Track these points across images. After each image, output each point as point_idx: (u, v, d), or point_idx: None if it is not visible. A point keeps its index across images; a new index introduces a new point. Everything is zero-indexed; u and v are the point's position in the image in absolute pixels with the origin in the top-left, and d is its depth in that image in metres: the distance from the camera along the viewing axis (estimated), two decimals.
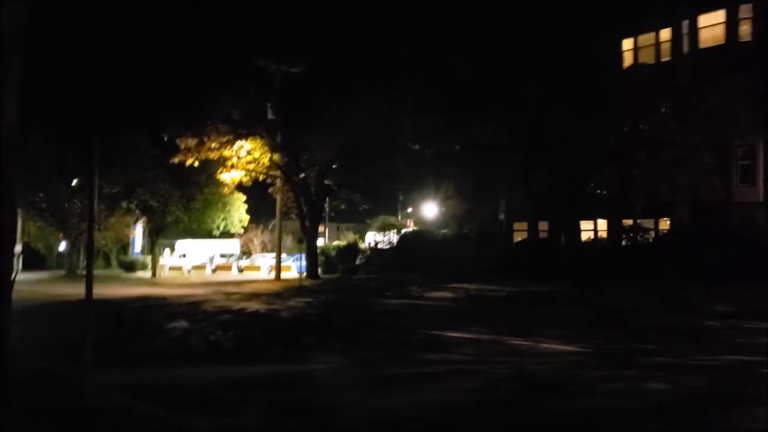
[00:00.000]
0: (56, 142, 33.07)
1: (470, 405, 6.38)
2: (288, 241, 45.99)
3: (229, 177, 33.64)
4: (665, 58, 28.68)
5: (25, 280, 24.28)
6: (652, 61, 28.63)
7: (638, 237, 27.00)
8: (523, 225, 33.69)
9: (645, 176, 24.42)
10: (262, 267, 42.01)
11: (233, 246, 49.55)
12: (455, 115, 27.14)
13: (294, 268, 39.37)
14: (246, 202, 44.68)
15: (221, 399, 6.50)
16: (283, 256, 37.91)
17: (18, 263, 17.30)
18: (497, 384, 7.44)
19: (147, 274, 40.74)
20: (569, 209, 27.32)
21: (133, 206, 37.49)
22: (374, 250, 36.55)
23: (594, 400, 6.63)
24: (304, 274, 31.74)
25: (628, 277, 22.05)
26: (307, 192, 32.61)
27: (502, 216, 35.02)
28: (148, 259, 43.04)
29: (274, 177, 33.79)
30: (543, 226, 31.84)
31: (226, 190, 35.95)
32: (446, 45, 27.35)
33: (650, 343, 10.70)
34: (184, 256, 46.21)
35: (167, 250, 46.74)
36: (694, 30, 27.62)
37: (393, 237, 36.10)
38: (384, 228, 38.05)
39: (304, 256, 32.77)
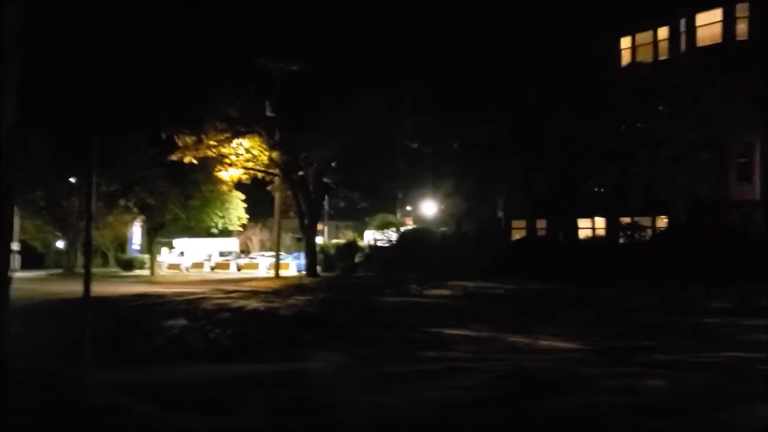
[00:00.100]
0: (55, 140, 33.06)
1: (469, 402, 6.38)
2: (287, 239, 46.04)
3: (227, 175, 33.64)
4: (663, 57, 28.72)
5: (23, 278, 24.24)
6: (650, 60, 28.68)
7: (636, 235, 27.06)
8: (522, 223, 33.74)
9: (643, 174, 24.47)
10: (260, 265, 42.05)
11: (232, 244, 49.59)
12: (454, 114, 27.15)
13: (293, 266, 39.43)
14: (245, 200, 44.68)
15: (221, 398, 6.49)
16: (282, 254, 37.94)
17: (16, 261, 17.26)
18: (496, 381, 7.45)
19: (145, 272, 40.72)
20: (568, 208, 27.36)
21: (131, 204, 37.45)
22: (373, 248, 36.57)
23: (593, 396, 6.64)
24: (304, 272, 31.75)
25: (627, 275, 22.09)
26: (305, 190, 32.60)
27: (501, 214, 35.08)
28: (147, 257, 43.02)
29: (273, 175, 33.79)
30: (541, 224, 31.89)
31: (225, 188, 35.97)
32: (445, 45, 27.33)
33: (649, 340, 10.71)
34: (183, 254, 46.22)
35: (166, 249, 46.73)
36: (691, 28, 27.65)
37: (392, 235, 36.12)
38: (383, 226, 38.07)
39: (303, 254, 32.79)
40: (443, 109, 27.43)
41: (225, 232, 47.30)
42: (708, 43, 27.04)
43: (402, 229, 38.22)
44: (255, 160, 32.91)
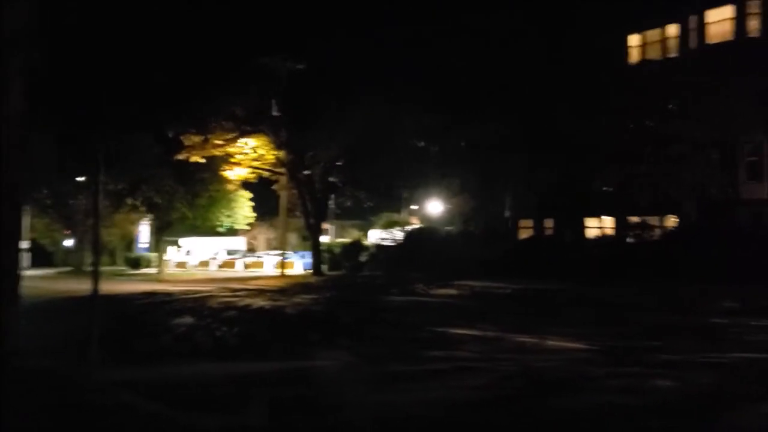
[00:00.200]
0: (60, 139, 33.15)
1: (476, 402, 6.37)
2: (293, 238, 46.09)
3: (234, 174, 33.71)
4: (672, 55, 28.52)
5: (32, 276, 24.39)
6: (659, 58, 28.49)
7: (644, 235, 26.92)
8: (529, 222, 33.63)
9: (651, 173, 24.33)
10: (266, 264, 42.11)
11: (238, 243, 49.70)
12: (459, 113, 27.11)
13: (298, 265, 39.48)
14: (251, 199, 44.73)
15: (227, 396, 6.50)
16: (288, 252, 37.99)
17: (26, 259, 17.38)
18: (503, 381, 7.43)
19: (152, 270, 40.86)
20: (575, 207, 27.26)
21: (138, 203, 37.57)
22: (379, 247, 36.54)
23: (600, 397, 6.61)
24: (309, 270, 31.79)
25: (634, 275, 21.97)
26: (311, 189, 32.64)
27: (507, 213, 34.95)
28: (154, 255, 43.16)
29: (279, 174, 33.84)
30: (549, 223, 31.77)
31: (231, 187, 36.05)
32: (449, 44, 27.29)
33: (656, 340, 10.65)
34: (190, 252, 46.40)
35: (173, 247, 46.88)
36: (701, 26, 27.44)
37: (398, 234, 36.09)
38: (388, 225, 38.03)
39: (308, 253, 32.83)
40: (448, 108, 27.40)
41: (231, 231, 47.40)
42: (718, 40, 26.82)
43: (408, 228, 38.17)
44: (261, 159, 32.96)
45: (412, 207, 46.72)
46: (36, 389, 6.11)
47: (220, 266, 43.97)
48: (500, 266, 26.43)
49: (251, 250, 51.23)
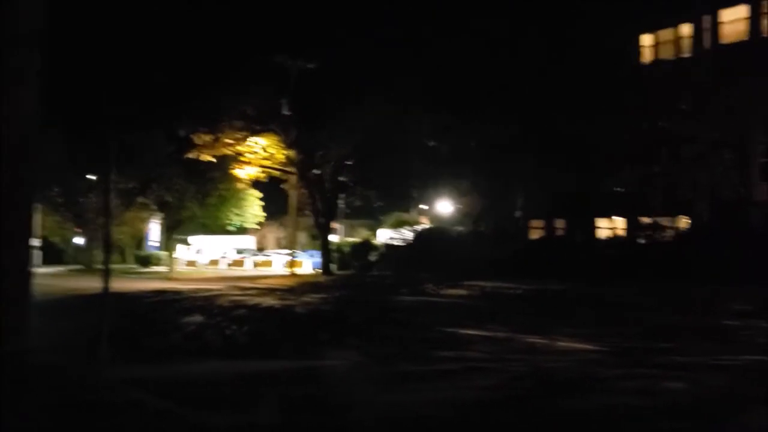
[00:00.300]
0: (71, 137, 33.42)
1: (485, 402, 6.34)
2: (302, 237, 46.16)
3: (244, 173, 33.80)
4: (685, 54, 28.31)
5: (43, 274, 24.56)
6: (672, 57, 28.29)
7: (656, 235, 26.73)
8: (540, 223, 33.49)
9: (664, 174, 24.17)
10: (276, 263, 42.22)
11: (248, 242, 49.87)
12: (469, 113, 27.05)
13: (308, 264, 39.55)
14: (261, 198, 44.88)
15: (237, 394, 6.51)
16: (297, 252, 38.05)
17: (36, 257, 17.50)
18: (513, 382, 7.39)
19: (162, 268, 41.08)
20: (586, 207, 27.12)
21: (149, 201, 37.81)
22: (389, 246, 36.53)
23: (610, 398, 6.57)
24: (319, 270, 31.83)
25: (646, 276, 21.82)
26: (321, 188, 32.68)
27: (518, 213, 34.81)
28: (164, 254, 43.39)
29: (289, 173, 33.91)
30: (560, 223, 31.63)
31: (241, 185, 36.18)
32: (461, 44, 27.23)
33: (667, 341, 10.57)
34: (200, 251, 46.61)
35: (183, 246, 47.11)
36: (715, 25, 27.21)
37: (407, 234, 36.06)
38: (398, 225, 38.00)
39: (318, 252, 32.87)
40: (459, 108, 27.34)
41: (241, 230, 47.59)
42: (732, 40, 26.59)
43: (417, 227, 38.13)
44: (271, 158, 33.05)
45: (422, 207, 46.67)
46: (46, 386, 6.14)
47: (230, 265, 44.14)
48: (510, 266, 26.33)
49: (261, 249, 51.39)
